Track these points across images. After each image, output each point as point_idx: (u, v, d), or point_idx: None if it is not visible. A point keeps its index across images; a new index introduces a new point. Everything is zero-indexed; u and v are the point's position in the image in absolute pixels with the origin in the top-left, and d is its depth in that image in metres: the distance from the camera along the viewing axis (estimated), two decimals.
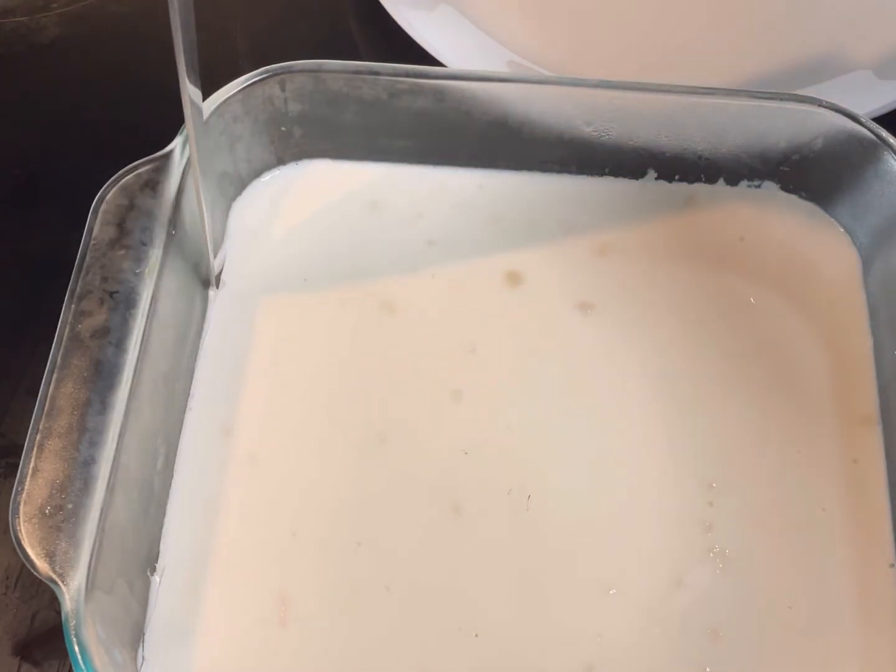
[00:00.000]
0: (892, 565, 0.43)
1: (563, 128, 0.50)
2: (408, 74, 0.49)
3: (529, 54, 0.60)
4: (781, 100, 0.49)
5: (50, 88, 0.61)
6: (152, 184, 0.46)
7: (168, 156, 0.46)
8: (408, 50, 0.58)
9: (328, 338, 0.48)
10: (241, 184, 0.51)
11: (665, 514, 0.44)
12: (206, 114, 0.46)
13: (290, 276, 0.50)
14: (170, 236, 0.45)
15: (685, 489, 0.45)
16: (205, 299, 0.48)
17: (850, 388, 0.47)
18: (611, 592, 0.43)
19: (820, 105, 0.48)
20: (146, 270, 0.44)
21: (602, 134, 0.50)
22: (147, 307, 0.43)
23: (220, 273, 0.49)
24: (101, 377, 0.41)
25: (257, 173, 0.52)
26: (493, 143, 0.51)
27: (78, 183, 0.52)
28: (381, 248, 0.50)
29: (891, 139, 0.47)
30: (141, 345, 0.42)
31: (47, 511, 0.39)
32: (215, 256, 0.48)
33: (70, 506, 0.39)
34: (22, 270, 0.54)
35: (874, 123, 0.48)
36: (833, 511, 0.44)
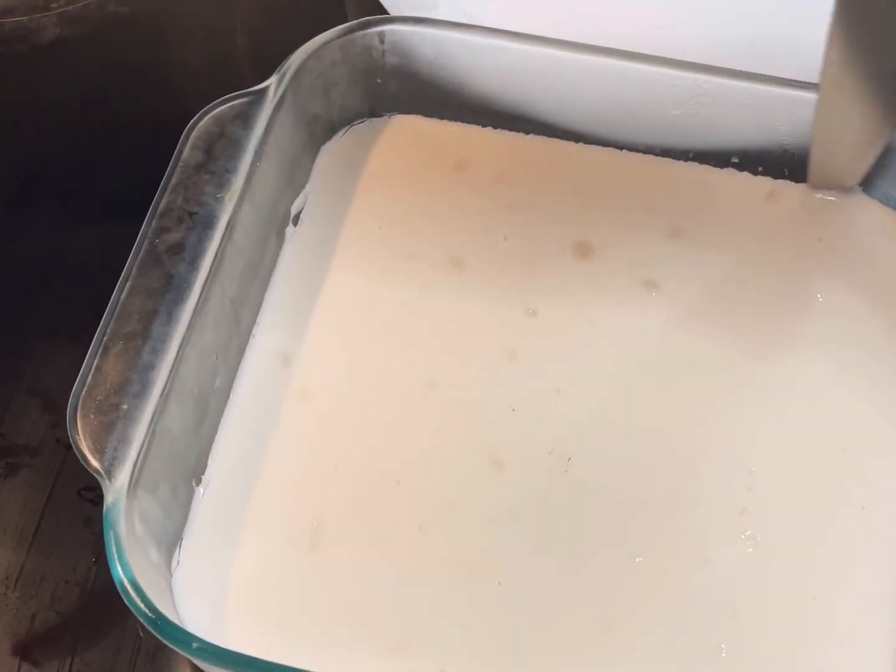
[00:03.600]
0: None
1: (652, 108, 0.51)
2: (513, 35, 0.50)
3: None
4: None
5: (50, 88, 0.61)
6: (244, 116, 0.47)
7: (263, 91, 0.48)
8: None
9: (394, 287, 0.49)
10: (331, 129, 0.52)
11: (701, 493, 0.44)
12: (306, 53, 0.48)
13: (367, 224, 0.51)
14: (254, 167, 0.46)
15: (724, 471, 0.45)
16: (282, 235, 0.50)
17: None
18: (637, 560, 0.43)
19: None
20: (227, 196, 0.45)
21: (689, 118, 0.51)
22: (223, 231, 0.44)
23: (300, 212, 0.50)
24: (171, 290, 0.43)
25: (349, 121, 0.53)
26: (584, 120, 0.52)
27: (78, 183, 0.56)
28: (460, 207, 0.51)
29: None
30: (212, 265, 0.44)
31: (104, 408, 0.40)
32: (297, 196, 0.50)
33: (125, 406, 0.40)
34: (22, 270, 0.54)
35: None
36: (872, 511, 0.44)
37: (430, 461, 0.45)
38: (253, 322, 0.48)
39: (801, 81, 0.49)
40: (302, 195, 0.51)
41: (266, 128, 0.47)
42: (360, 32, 0.50)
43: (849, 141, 0.49)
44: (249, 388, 0.46)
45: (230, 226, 0.45)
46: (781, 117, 0.50)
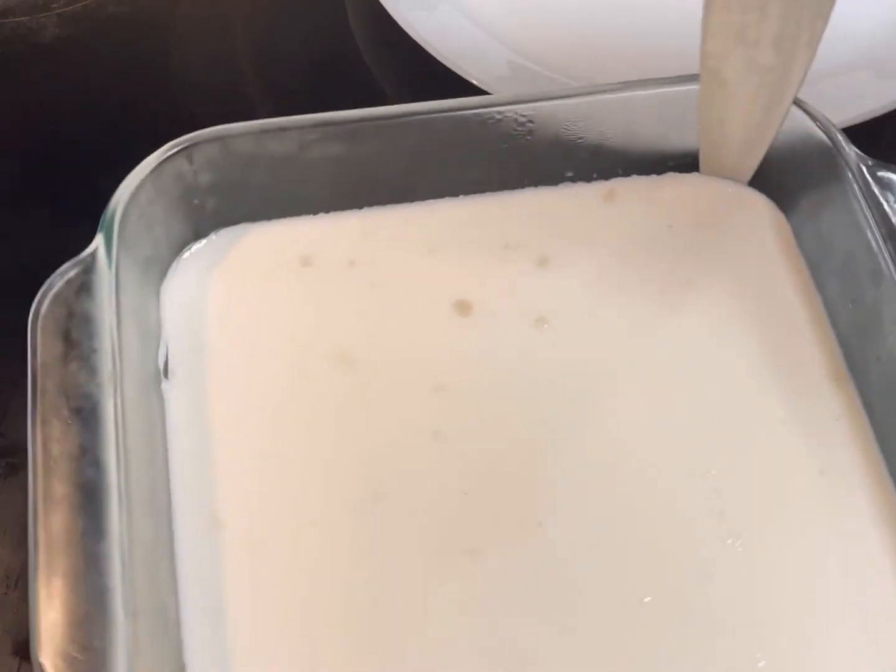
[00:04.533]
0: None
1: (479, 148, 0.50)
2: (316, 124, 0.48)
3: (530, 55, 0.60)
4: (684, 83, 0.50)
5: (50, 88, 0.60)
6: (85, 287, 0.44)
7: (93, 254, 0.44)
8: (408, 51, 0.59)
9: (291, 403, 0.46)
10: (164, 266, 0.49)
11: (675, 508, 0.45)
12: (124, 201, 0.45)
13: (237, 348, 0.48)
14: (116, 337, 0.42)
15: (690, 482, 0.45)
16: (160, 392, 0.46)
17: (813, 350, 0.48)
18: (644, 600, 0.43)
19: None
20: (105, 379, 0.41)
21: (518, 148, 0.50)
22: (114, 418, 0.41)
23: (167, 362, 0.47)
24: (91, 502, 0.39)
25: (177, 252, 0.50)
26: (411, 177, 0.50)
27: (78, 182, 0.55)
28: (324, 302, 0.49)
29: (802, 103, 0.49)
30: (118, 459, 0.40)
31: (75, 654, 0.36)
32: (158, 347, 0.46)
33: (96, 643, 0.37)
34: (22, 270, 0.52)
35: None
36: (830, 473, 0.45)
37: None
38: (169, 495, 0.44)
39: (612, 84, 0.50)
40: (162, 345, 0.47)
41: (111, 292, 0.43)
42: (169, 160, 0.47)
43: (734, 134, 0.49)
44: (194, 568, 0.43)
45: (117, 410, 0.41)
46: (605, 121, 0.50)
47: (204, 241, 0.50)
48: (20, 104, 0.59)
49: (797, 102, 0.48)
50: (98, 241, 0.44)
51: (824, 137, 0.48)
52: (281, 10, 0.64)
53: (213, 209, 0.49)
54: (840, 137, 0.48)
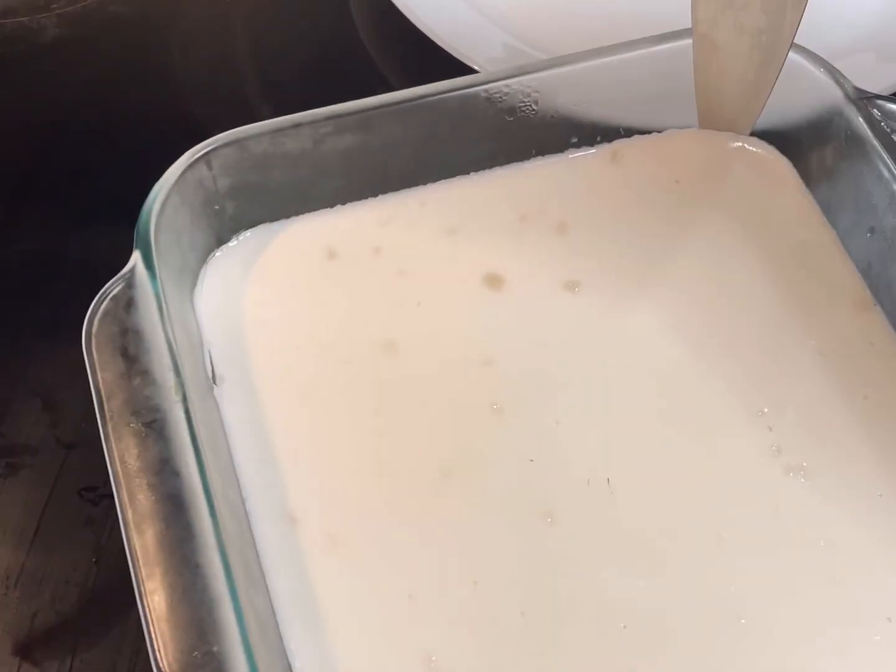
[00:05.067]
0: None
1: (487, 125, 0.50)
2: (329, 117, 0.48)
3: (527, 38, 0.61)
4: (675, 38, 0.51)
5: (50, 88, 0.60)
6: (132, 303, 0.43)
7: (132, 270, 0.44)
8: (409, 37, 0.59)
9: (343, 396, 0.47)
10: (193, 274, 0.49)
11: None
12: (155, 214, 0.45)
13: (278, 347, 0.48)
14: (171, 349, 0.42)
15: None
16: (214, 399, 0.46)
17: (836, 282, 0.50)
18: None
19: None
20: (173, 390, 0.41)
21: (524, 120, 0.51)
22: (187, 427, 0.41)
23: (213, 370, 0.47)
24: (181, 511, 0.39)
25: (203, 259, 0.49)
26: (423, 159, 0.51)
27: (77, 183, 0.55)
28: (356, 292, 0.49)
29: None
30: (199, 466, 0.40)
31: (198, 661, 0.36)
32: (204, 355, 0.46)
33: (216, 648, 0.37)
34: (22, 270, 0.53)
35: None
36: (872, 400, 0.47)
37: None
38: (241, 496, 0.44)
39: (607, 47, 0.50)
40: (206, 353, 0.47)
41: (158, 305, 0.43)
42: (190, 168, 0.46)
43: (730, 93, 0.50)
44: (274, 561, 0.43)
45: (188, 418, 0.41)
46: (606, 85, 0.51)
47: (227, 246, 0.50)
48: (20, 104, 0.59)
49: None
50: (136, 256, 0.44)
51: (821, 75, 0.50)
52: (281, 10, 0.64)
53: (233, 213, 0.49)
54: (838, 73, 0.49)
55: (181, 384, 0.41)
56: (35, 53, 0.61)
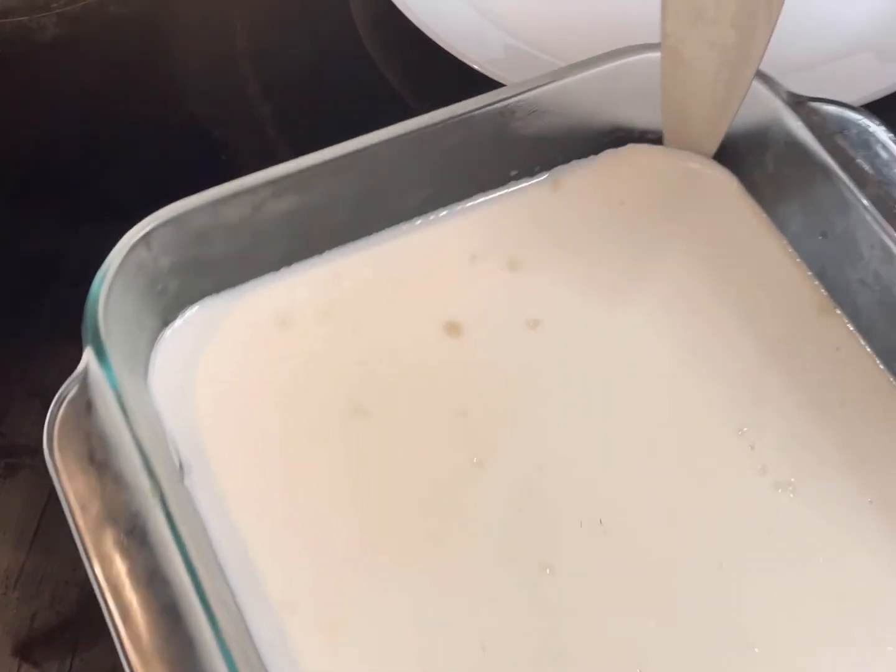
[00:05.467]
0: None
1: (427, 168, 0.49)
2: (267, 181, 0.46)
3: (526, 36, 0.61)
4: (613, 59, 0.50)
5: (50, 88, 0.60)
6: (91, 404, 0.41)
7: (86, 370, 0.42)
8: (406, 32, 0.59)
9: (316, 469, 0.45)
10: (144, 360, 0.47)
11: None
12: (101, 308, 0.43)
13: (240, 427, 0.46)
14: (143, 449, 0.40)
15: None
16: (187, 490, 0.44)
17: (793, 289, 0.50)
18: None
19: (632, 55, 0.50)
20: (147, 494, 0.39)
21: (461, 158, 0.50)
22: (170, 531, 0.39)
23: (180, 459, 0.45)
24: (177, 620, 0.37)
25: (151, 344, 0.47)
26: (363, 211, 0.49)
27: (78, 182, 0.55)
28: (314, 357, 0.47)
29: None
30: (187, 569, 0.38)
31: None
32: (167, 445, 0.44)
33: None
34: (22, 270, 0.53)
35: None
36: (850, 406, 0.47)
37: None
38: (230, 589, 0.42)
39: (539, 78, 0.49)
40: (169, 442, 0.45)
41: (120, 405, 0.41)
42: (130, 255, 0.44)
43: (697, 111, 0.50)
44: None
45: (170, 521, 0.39)
46: (539, 117, 0.50)
47: (174, 326, 0.48)
48: (20, 104, 0.59)
49: None
50: (88, 355, 0.42)
51: (755, 83, 0.49)
52: (281, 10, 0.64)
53: (177, 291, 0.47)
54: (771, 79, 0.49)
55: (157, 486, 0.39)
56: (35, 53, 0.61)
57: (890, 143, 0.47)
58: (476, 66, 0.59)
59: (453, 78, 0.59)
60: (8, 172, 0.57)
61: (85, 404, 0.41)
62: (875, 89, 0.58)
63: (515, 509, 0.44)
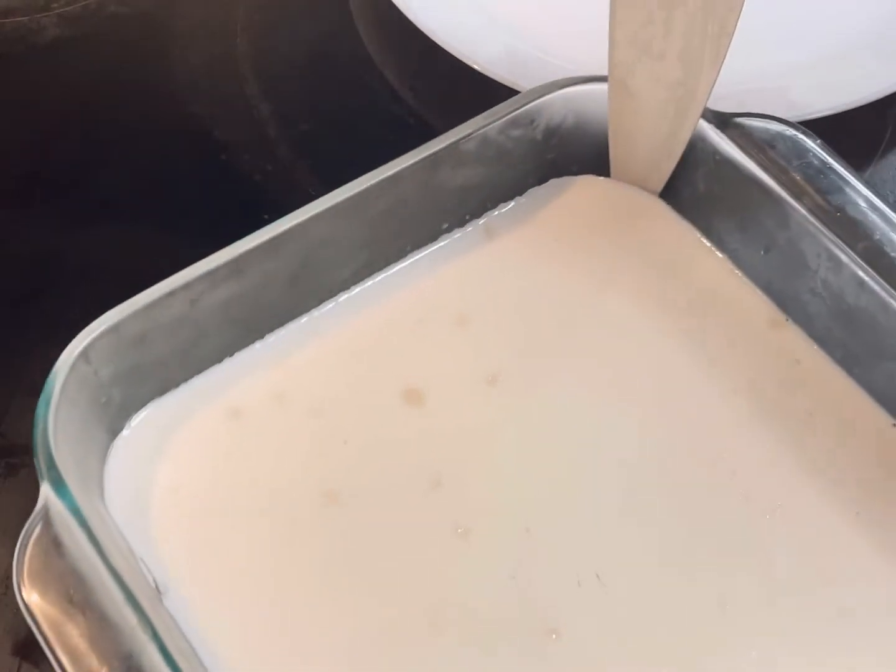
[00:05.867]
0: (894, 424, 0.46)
1: (358, 234, 0.48)
2: (200, 275, 0.44)
3: (526, 36, 0.61)
4: (522, 106, 0.49)
5: (50, 88, 0.60)
6: (56, 541, 0.39)
7: (46, 506, 0.39)
8: (406, 32, 0.59)
9: (295, 567, 0.43)
10: (98, 478, 0.44)
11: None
12: (51, 438, 0.40)
13: (209, 533, 0.44)
14: (122, 582, 0.38)
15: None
16: (168, 612, 0.42)
17: (740, 307, 0.49)
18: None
19: (548, 93, 0.49)
20: (135, 629, 0.37)
21: (392, 219, 0.48)
22: (162, 659, 0.37)
23: (154, 580, 0.42)
24: None
25: (102, 459, 0.45)
26: (300, 288, 0.48)
27: (78, 183, 0.55)
28: (274, 446, 0.46)
29: None
30: None
31: None
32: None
33: None
34: (22, 270, 0.53)
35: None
36: (819, 417, 0.47)
37: None
38: None
39: (451, 140, 0.48)
40: (139, 563, 0.42)
41: (90, 538, 0.39)
42: (71, 372, 0.42)
43: (644, 146, 0.49)
44: None
45: (167, 657, 0.37)
46: (463, 168, 0.49)
47: (122, 436, 0.45)
48: (20, 104, 0.60)
49: None
50: (46, 490, 0.40)
51: None
52: (281, 10, 0.64)
53: (121, 400, 0.45)
54: None
55: (147, 620, 0.37)
56: (35, 53, 0.61)
57: (820, 151, 0.47)
58: (476, 66, 0.58)
59: (453, 78, 0.59)
60: (8, 172, 0.57)
61: (52, 541, 0.39)
62: (875, 89, 0.58)
63: (508, 577, 0.43)
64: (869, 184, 0.46)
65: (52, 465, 0.40)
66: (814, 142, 0.47)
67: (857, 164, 0.57)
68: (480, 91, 0.56)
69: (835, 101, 0.55)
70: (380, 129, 0.61)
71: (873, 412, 0.46)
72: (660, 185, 0.51)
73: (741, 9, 0.43)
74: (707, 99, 0.46)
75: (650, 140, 0.49)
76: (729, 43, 0.44)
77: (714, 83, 0.45)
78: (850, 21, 0.63)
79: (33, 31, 0.62)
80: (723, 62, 0.45)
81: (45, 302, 0.52)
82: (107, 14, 0.63)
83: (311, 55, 0.56)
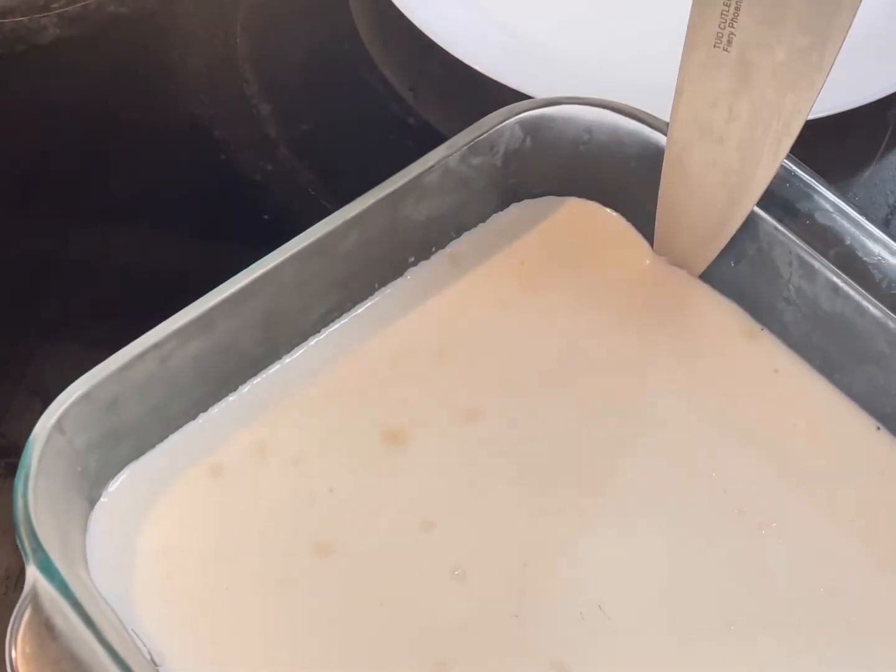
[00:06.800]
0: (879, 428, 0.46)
1: (328, 276, 0.47)
2: (170, 333, 0.43)
3: (526, 37, 0.61)
4: (482, 134, 0.48)
5: (50, 88, 0.61)
6: (49, 624, 0.38)
7: (34, 589, 0.38)
8: (406, 32, 0.59)
9: (293, 624, 0.42)
10: (81, 550, 0.43)
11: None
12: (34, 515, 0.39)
13: (200, 596, 0.43)
14: (123, 662, 0.37)
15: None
16: None
17: (713, 319, 0.49)
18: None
19: (506, 119, 0.49)
20: None
21: (358, 259, 0.47)
22: None
23: (149, 651, 0.41)
24: None
25: (83, 529, 0.43)
26: (271, 336, 0.47)
27: (78, 183, 0.55)
28: (261, 501, 0.44)
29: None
30: None
31: None
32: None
33: None
34: (22, 270, 0.53)
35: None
36: (803, 426, 0.47)
37: None
38: None
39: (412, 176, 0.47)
40: (131, 635, 0.41)
41: (83, 619, 0.37)
42: (49, 441, 0.41)
43: (690, 227, 0.48)
44: None
45: None
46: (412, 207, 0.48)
47: (101, 503, 0.44)
48: (20, 104, 0.60)
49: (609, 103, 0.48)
50: (32, 573, 0.38)
51: (633, 123, 0.49)
52: (281, 10, 0.64)
53: (97, 467, 0.44)
54: (649, 115, 0.48)
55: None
56: (35, 53, 0.61)
57: (784, 160, 0.47)
58: (476, 66, 0.58)
59: (453, 78, 0.59)
60: (8, 172, 0.57)
61: (44, 624, 0.37)
62: (875, 89, 0.58)
63: (511, 615, 0.42)
64: (835, 189, 0.46)
65: (37, 546, 0.38)
66: None
67: (857, 164, 0.59)
68: (480, 91, 0.56)
69: (835, 101, 0.55)
70: (380, 129, 0.61)
71: (857, 416, 0.46)
72: (700, 269, 0.49)
73: (808, 113, 0.41)
74: (761, 193, 0.45)
75: (697, 222, 0.47)
76: (790, 144, 0.43)
77: (769, 181, 0.44)
78: (862, 18, 0.62)
79: (33, 31, 0.62)
80: (780, 161, 0.43)
81: (45, 302, 0.53)
82: (107, 14, 0.63)
83: (311, 55, 0.57)
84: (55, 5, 0.63)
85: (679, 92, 0.44)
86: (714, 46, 0.41)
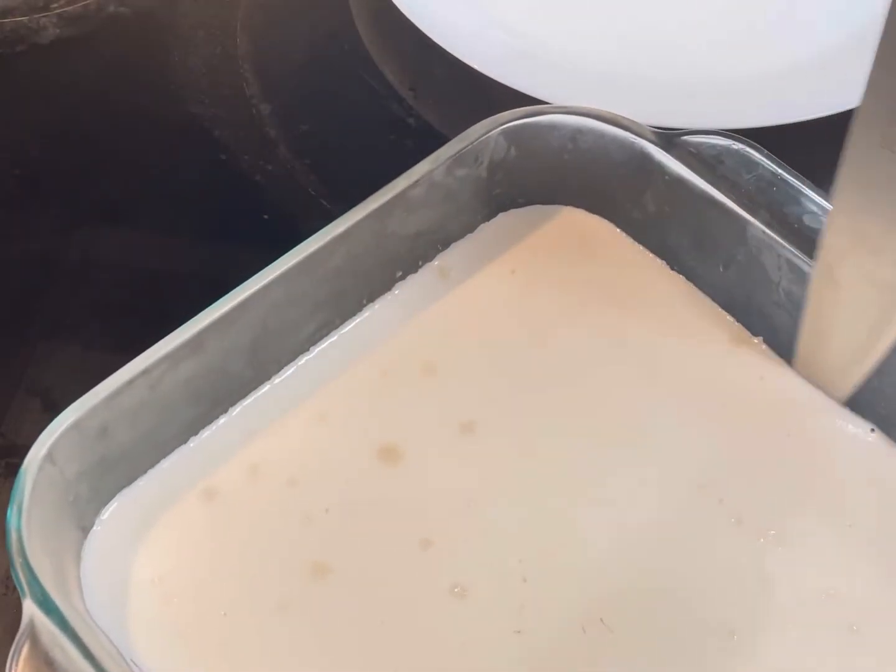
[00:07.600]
0: (873, 430, 0.46)
1: (315, 293, 0.47)
2: (160, 358, 0.43)
3: (526, 37, 0.61)
4: (467, 146, 0.48)
5: (50, 88, 0.61)
6: (48, 659, 0.37)
7: (31, 622, 0.38)
8: (406, 32, 0.59)
9: (293, 649, 0.42)
10: (76, 579, 0.42)
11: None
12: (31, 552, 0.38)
13: (198, 621, 0.42)
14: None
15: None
16: None
17: (701, 325, 0.49)
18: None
19: (490, 130, 0.48)
20: None
21: (348, 274, 0.47)
22: None
23: None
24: None
25: (76, 557, 0.43)
26: (260, 355, 0.46)
27: (78, 183, 0.55)
28: (256, 524, 0.44)
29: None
30: None
31: None
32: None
33: None
34: (22, 270, 0.53)
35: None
36: (797, 431, 0.46)
37: None
38: None
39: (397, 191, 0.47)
40: (130, 665, 0.41)
41: (84, 653, 0.37)
42: (39, 475, 0.40)
43: (837, 344, 0.45)
44: None
45: None
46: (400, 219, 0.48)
47: (94, 532, 0.44)
48: (20, 104, 0.60)
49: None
50: (29, 607, 0.38)
51: (616, 131, 0.49)
52: (281, 10, 0.64)
53: (88, 495, 0.43)
54: (633, 122, 0.48)
55: None
56: (35, 53, 0.62)
57: (769, 164, 0.47)
58: (476, 66, 0.58)
59: (453, 78, 0.59)
60: (8, 172, 0.57)
61: (43, 660, 0.37)
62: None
63: (512, 632, 0.42)
64: (823, 192, 0.46)
65: (33, 580, 0.38)
66: (762, 154, 0.47)
67: None
68: (480, 91, 0.56)
69: (834, 101, 0.54)
70: (380, 129, 0.60)
71: (850, 421, 0.46)
72: (844, 393, 0.46)
73: None
74: None
75: (845, 339, 0.44)
76: None
77: None
78: (850, 20, 0.62)
79: (33, 31, 0.62)
80: None
81: (45, 302, 0.52)
82: (107, 14, 0.64)
83: (311, 55, 0.57)
84: (55, 5, 0.63)
85: (836, 198, 0.40)
86: (881, 147, 0.37)
